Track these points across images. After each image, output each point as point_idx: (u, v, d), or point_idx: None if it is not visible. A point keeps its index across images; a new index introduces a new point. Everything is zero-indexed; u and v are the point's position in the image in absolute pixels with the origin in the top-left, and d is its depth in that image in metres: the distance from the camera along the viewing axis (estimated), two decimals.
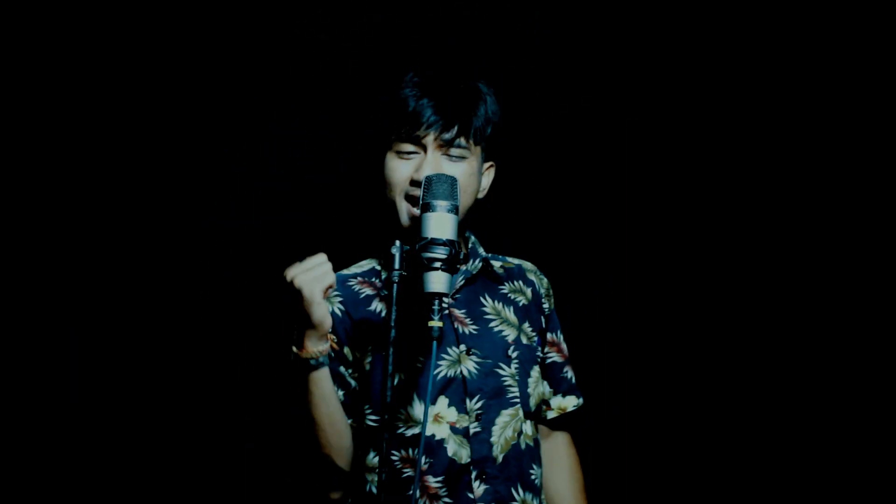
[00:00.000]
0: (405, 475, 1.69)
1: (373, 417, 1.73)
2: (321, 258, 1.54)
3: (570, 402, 1.89)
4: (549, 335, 1.91)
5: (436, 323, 1.48)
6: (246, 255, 3.15)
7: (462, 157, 1.71)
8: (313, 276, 1.51)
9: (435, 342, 1.50)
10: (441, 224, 1.51)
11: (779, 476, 3.06)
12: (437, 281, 1.48)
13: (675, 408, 3.15)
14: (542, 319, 1.89)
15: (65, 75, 3.06)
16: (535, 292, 1.89)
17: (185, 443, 3.07)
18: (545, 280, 1.94)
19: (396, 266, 1.50)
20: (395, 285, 1.50)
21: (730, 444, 3.10)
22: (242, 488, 3.09)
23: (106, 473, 3.02)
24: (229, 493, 3.08)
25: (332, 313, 1.72)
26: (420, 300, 1.54)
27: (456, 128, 1.69)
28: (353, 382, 1.75)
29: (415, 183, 1.67)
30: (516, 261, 1.94)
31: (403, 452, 1.69)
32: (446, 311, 1.73)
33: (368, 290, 1.80)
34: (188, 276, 3.14)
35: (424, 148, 1.69)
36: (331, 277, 1.52)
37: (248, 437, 3.09)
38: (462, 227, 1.79)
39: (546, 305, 1.90)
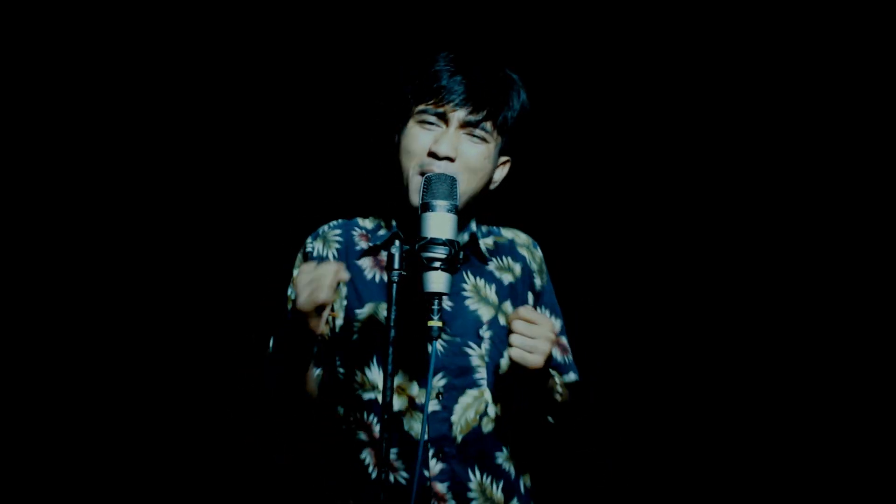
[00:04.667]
0: (358, 437, 1.70)
1: (341, 370, 1.74)
2: (328, 270, 1.49)
3: (568, 379, 1.85)
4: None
5: (435, 323, 1.47)
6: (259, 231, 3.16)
7: (483, 140, 1.70)
8: (310, 291, 1.48)
9: (434, 343, 1.49)
10: (441, 224, 1.50)
11: (778, 473, 3.07)
12: (437, 280, 1.48)
13: (678, 404, 3.15)
14: (531, 297, 1.85)
15: (63, 74, 3.05)
16: (525, 267, 1.85)
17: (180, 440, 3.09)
18: (538, 253, 1.90)
19: (396, 266, 1.49)
20: (394, 285, 1.49)
21: (733, 439, 3.11)
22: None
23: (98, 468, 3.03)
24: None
25: (325, 258, 1.76)
26: (414, 293, 1.52)
27: (485, 112, 1.68)
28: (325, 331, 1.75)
29: (432, 154, 1.66)
30: (510, 234, 1.90)
31: (358, 415, 1.70)
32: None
33: (363, 244, 1.80)
34: (186, 260, 3.14)
35: (447, 122, 1.68)
36: (324, 295, 1.48)
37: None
38: (468, 213, 1.78)
39: (538, 281, 1.86)
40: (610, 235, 3.23)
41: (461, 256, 1.51)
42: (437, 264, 1.47)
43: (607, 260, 3.22)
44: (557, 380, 1.78)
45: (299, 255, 1.85)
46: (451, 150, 1.66)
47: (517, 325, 1.51)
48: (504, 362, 1.75)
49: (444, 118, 1.68)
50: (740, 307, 3.15)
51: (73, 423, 3.01)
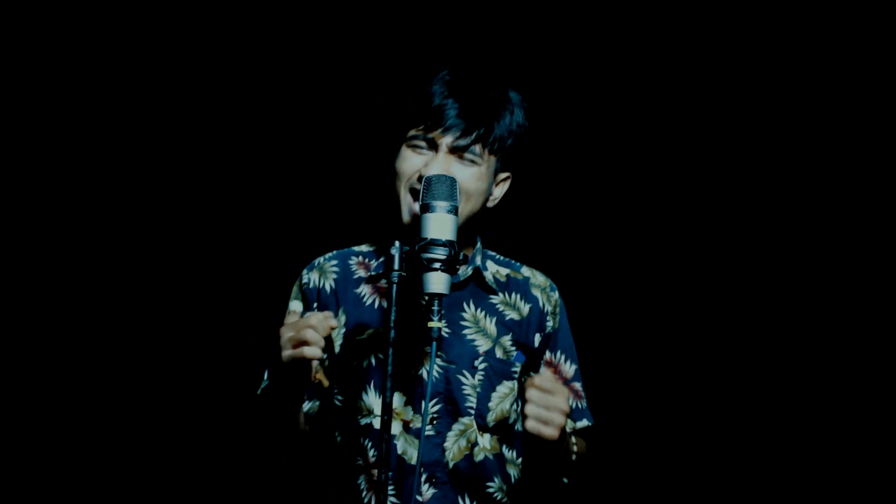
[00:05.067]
0: (356, 463, 1.69)
1: (339, 397, 1.74)
2: (314, 322, 1.47)
3: (581, 426, 1.84)
4: (548, 354, 1.84)
5: (435, 324, 1.47)
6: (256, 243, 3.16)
7: (473, 162, 1.69)
8: (294, 350, 1.47)
9: (434, 343, 1.49)
10: (440, 225, 1.50)
11: (778, 473, 3.07)
12: (437, 281, 1.48)
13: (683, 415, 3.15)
14: (539, 338, 1.82)
15: (66, 75, 3.06)
16: (536, 309, 1.82)
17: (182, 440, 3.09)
18: (555, 297, 1.86)
19: (396, 267, 1.49)
20: (394, 286, 1.49)
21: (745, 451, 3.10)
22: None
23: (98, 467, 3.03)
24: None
25: (322, 289, 1.78)
26: (413, 296, 1.53)
27: (474, 135, 1.67)
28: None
29: (422, 178, 1.64)
30: (528, 272, 1.87)
31: (354, 440, 1.70)
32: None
33: (361, 272, 1.80)
34: (189, 268, 3.14)
35: (437, 147, 1.68)
36: (310, 352, 1.46)
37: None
38: (470, 231, 1.78)
39: (549, 324, 1.83)
40: (610, 240, 3.23)
41: (460, 257, 1.51)
42: (437, 265, 1.47)
43: (606, 259, 3.22)
44: (573, 438, 1.72)
45: (295, 288, 1.84)
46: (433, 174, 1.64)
47: (532, 393, 1.49)
48: (495, 395, 1.74)
49: (433, 144, 1.68)
50: (738, 309, 3.14)
51: (74, 424, 3.01)
